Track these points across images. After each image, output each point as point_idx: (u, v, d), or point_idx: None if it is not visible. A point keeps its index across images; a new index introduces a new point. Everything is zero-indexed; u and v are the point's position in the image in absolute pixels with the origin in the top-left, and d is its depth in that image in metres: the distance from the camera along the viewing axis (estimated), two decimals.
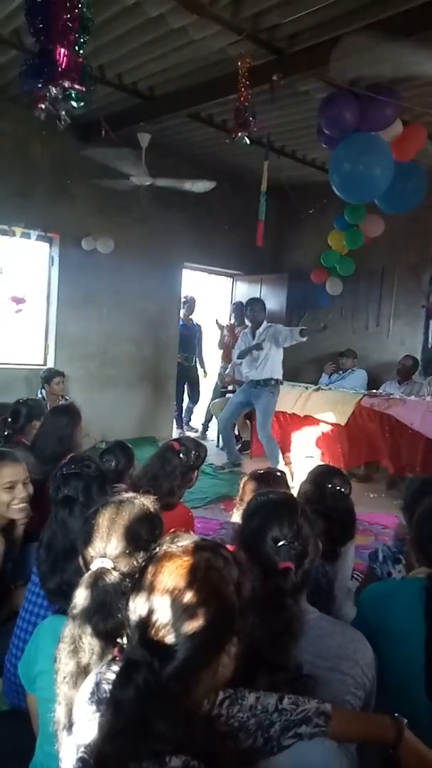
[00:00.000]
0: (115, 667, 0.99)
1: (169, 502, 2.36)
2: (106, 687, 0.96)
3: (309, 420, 5.51)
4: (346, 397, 5.38)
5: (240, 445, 6.30)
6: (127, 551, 1.27)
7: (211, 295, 8.65)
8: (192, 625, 0.89)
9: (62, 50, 2.15)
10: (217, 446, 6.78)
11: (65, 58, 2.15)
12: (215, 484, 5.07)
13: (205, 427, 7.32)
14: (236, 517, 2.04)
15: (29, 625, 1.71)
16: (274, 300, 7.31)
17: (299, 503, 1.42)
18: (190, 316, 7.25)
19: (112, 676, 0.97)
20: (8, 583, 2.14)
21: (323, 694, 1.13)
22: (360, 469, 5.54)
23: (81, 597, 1.20)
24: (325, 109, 4.07)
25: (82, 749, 0.92)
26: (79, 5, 2.21)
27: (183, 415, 7.51)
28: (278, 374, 5.42)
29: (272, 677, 1.13)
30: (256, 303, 5.57)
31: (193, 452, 2.50)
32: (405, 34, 3.37)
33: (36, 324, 5.95)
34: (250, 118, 3.68)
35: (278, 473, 2.25)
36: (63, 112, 2.33)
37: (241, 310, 7.06)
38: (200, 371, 7.39)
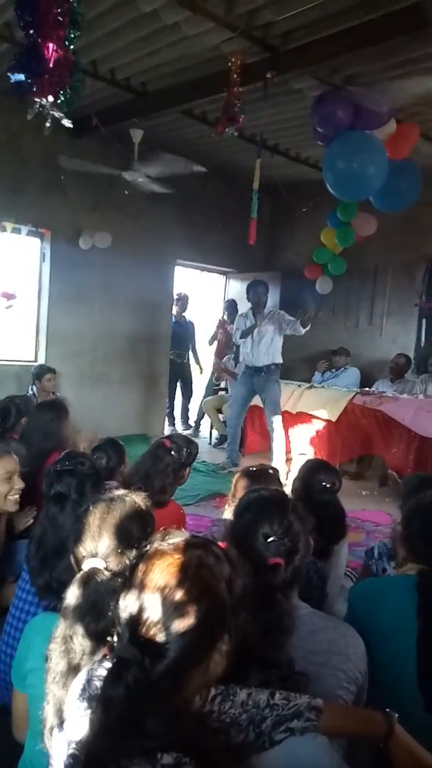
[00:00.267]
0: (107, 664, 0.98)
1: (160, 500, 2.36)
2: (97, 684, 0.96)
3: (302, 417, 5.53)
4: (339, 394, 5.40)
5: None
6: (119, 549, 1.27)
7: (203, 292, 8.65)
8: (183, 624, 0.89)
9: (51, 45, 2.13)
10: (210, 443, 6.79)
11: (54, 53, 2.14)
12: (207, 481, 5.07)
13: (197, 424, 7.31)
14: (228, 513, 2.04)
15: (19, 622, 1.70)
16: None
17: (290, 500, 1.43)
18: (183, 313, 7.24)
19: (103, 673, 0.97)
20: None
21: (315, 690, 1.13)
22: (352, 466, 5.56)
23: (73, 597, 1.20)
24: (318, 107, 4.08)
25: (73, 745, 0.92)
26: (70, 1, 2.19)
27: (177, 412, 7.50)
28: (279, 359, 5.45)
29: (264, 674, 1.13)
30: (260, 285, 5.55)
31: (185, 449, 2.49)
32: (397, 33, 3.39)
33: (27, 320, 5.91)
34: (240, 115, 3.67)
35: (270, 470, 2.26)
36: (52, 115, 2.32)
37: (234, 307, 7.07)
38: (194, 368, 7.39)
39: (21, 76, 2.19)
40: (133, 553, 1.25)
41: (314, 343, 7.01)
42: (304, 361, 7.19)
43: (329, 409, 5.28)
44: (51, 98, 2.21)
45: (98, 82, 4.61)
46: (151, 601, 0.90)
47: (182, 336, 7.18)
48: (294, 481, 2.35)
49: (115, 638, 0.94)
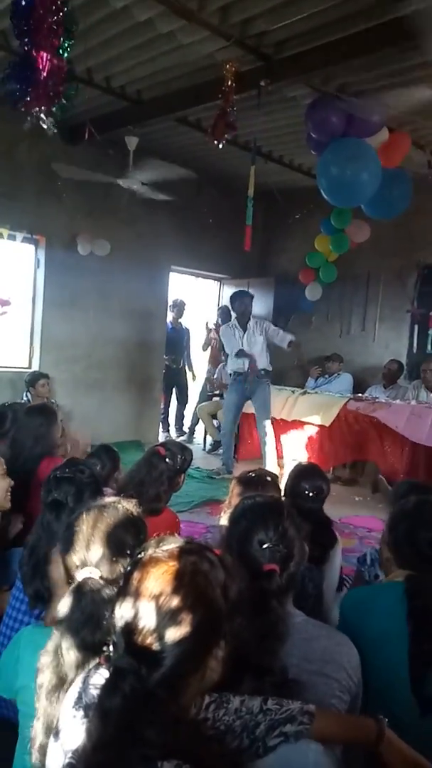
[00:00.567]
0: (102, 671, 0.98)
1: (155, 507, 2.36)
2: (93, 692, 0.96)
3: (296, 423, 5.54)
4: (332, 400, 5.42)
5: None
6: (112, 558, 1.26)
7: (198, 298, 8.66)
8: (179, 632, 0.89)
9: (45, 54, 2.14)
10: (204, 450, 6.79)
11: (48, 63, 2.15)
12: (201, 487, 5.06)
13: (192, 430, 7.31)
14: (224, 520, 2.04)
15: (12, 631, 1.69)
16: (260, 303, 7.32)
17: (285, 506, 1.43)
18: (180, 320, 7.25)
19: (98, 681, 0.96)
20: None
21: (309, 698, 1.13)
22: (345, 471, 5.58)
23: (67, 609, 1.18)
24: (312, 112, 4.11)
25: (70, 755, 0.92)
26: (64, 10, 2.21)
27: (172, 418, 7.49)
28: (269, 366, 5.51)
29: (258, 682, 1.13)
30: (246, 295, 5.62)
31: (179, 456, 2.49)
32: (390, 43, 3.43)
33: (21, 327, 5.90)
34: (234, 122, 3.70)
35: (268, 477, 2.24)
36: (48, 121, 2.33)
37: (228, 313, 7.09)
38: (188, 374, 7.39)
39: (15, 86, 2.20)
40: (126, 561, 1.24)
41: (307, 349, 7.03)
42: (297, 367, 7.21)
43: (322, 415, 5.29)
44: (44, 108, 2.22)
45: (94, 89, 4.64)
46: (146, 610, 0.90)
47: (177, 342, 7.19)
48: (284, 487, 2.34)
49: (111, 648, 0.94)
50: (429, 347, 6.34)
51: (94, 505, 1.36)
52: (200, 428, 7.12)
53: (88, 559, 1.26)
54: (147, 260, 6.50)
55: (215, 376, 6.91)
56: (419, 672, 1.36)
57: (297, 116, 4.58)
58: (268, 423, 5.37)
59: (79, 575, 1.25)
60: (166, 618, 0.89)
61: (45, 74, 2.17)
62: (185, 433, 7.32)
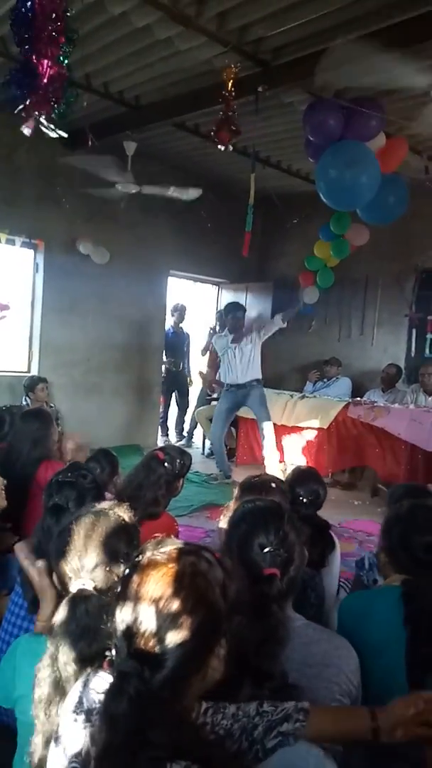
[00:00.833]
0: (102, 674, 0.98)
1: (154, 512, 2.35)
2: (95, 697, 0.96)
3: (295, 428, 5.54)
4: (331, 404, 5.42)
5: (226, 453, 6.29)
6: (106, 567, 1.25)
7: (196, 302, 8.67)
8: (181, 633, 0.89)
9: (45, 62, 2.15)
10: (202, 454, 6.78)
11: (48, 70, 2.16)
12: (200, 492, 5.06)
13: (190, 434, 7.31)
14: (223, 522, 2.02)
15: (11, 636, 1.68)
16: (259, 308, 7.35)
17: (285, 510, 1.43)
18: (180, 324, 7.26)
19: (99, 685, 0.96)
20: None
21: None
22: (344, 476, 5.58)
23: (63, 621, 1.17)
24: (310, 115, 4.12)
25: (74, 759, 0.92)
26: (65, 17, 2.22)
27: (172, 422, 7.49)
28: (260, 375, 5.49)
29: (258, 689, 1.13)
30: (239, 309, 5.63)
31: (178, 461, 2.48)
32: (388, 50, 3.44)
33: (20, 331, 5.90)
34: (237, 127, 3.71)
35: (273, 484, 2.21)
36: (49, 126, 2.34)
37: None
38: (188, 379, 7.39)
39: (16, 91, 2.21)
40: (120, 568, 1.25)
41: (306, 353, 7.05)
42: (295, 371, 7.22)
43: (321, 418, 5.30)
44: (45, 113, 2.23)
45: (92, 95, 4.65)
46: (147, 613, 0.90)
47: (178, 345, 7.20)
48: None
49: (114, 652, 0.94)
50: (427, 351, 6.35)
51: (86, 513, 1.36)
52: (199, 432, 7.12)
53: (82, 567, 1.25)
54: (146, 265, 6.51)
55: (218, 377, 6.92)
56: (417, 677, 1.36)
57: (295, 122, 4.60)
58: (268, 425, 5.36)
59: (73, 586, 1.24)
60: (168, 620, 0.89)
61: (45, 80, 2.18)
62: (185, 437, 7.32)
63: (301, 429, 5.47)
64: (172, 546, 0.99)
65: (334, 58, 3.31)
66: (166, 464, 2.43)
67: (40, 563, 1.49)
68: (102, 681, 0.98)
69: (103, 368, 6.35)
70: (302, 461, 5.33)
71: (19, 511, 2.45)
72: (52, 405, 5.32)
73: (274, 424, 5.52)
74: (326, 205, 4.43)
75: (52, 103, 2.26)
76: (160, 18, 3.49)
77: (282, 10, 3.36)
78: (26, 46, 2.19)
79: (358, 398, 5.75)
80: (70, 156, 4.98)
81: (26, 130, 2.33)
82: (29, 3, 2.18)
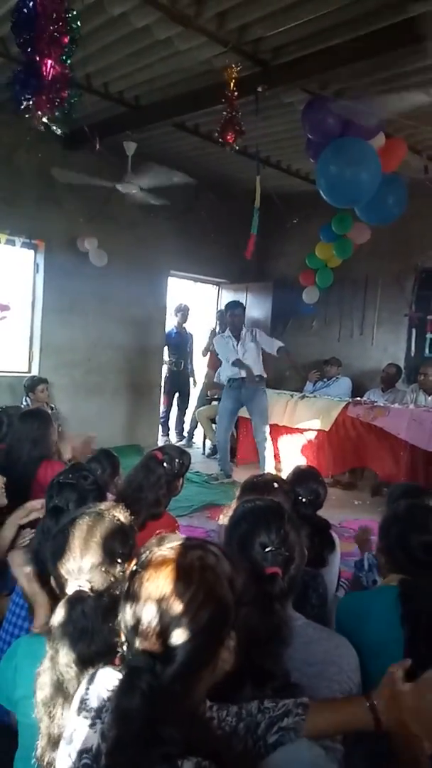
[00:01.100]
0: (108, 670, 0.98)
1: (155, 512, 2.35)
2: (103, 694, 0.96)
3: (295, 429, 5.54)
4: (331, 404, 5.42)
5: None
6: (103, 568, 1.25)
7: (197, 302, 8.67)
8: (192, 627, 0.89)
9: (49, 62, 2.15)
10: (203, 454, 6.78)
11: (52, 70, 2.16)
12: (200, 492, 5.06)
13: (191, 434, 7.31)
14: (224, 519, 2.02)
15: (11, 637, 1.68)
16: (259, 308, 7.35)
17: (285, 510, 1.43)
18: (184, 324, 7.27)
19: (106, 682, 0.96)
20: None
21: None
22: (344, 476, 5.57)
23: (61, 622, 1.17)
24: (309, 113, 4.11)
25: (84, 756, 0.92)
26: (67, 17, 2.22)
27: (172, 422, 7.49)
28: (263, 372, 5.51)
29: (260, 689, 1.13)
30: (238, 307, 5.66)
31: (177, 460, 2.48)
32: (386, 49, 3.44)
33: (20, 331, 5.91)
34: (242, 126, 3.71)
35: (275, 484, 2.21)
36: (53, 125, 2.35)
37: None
38: (191, 379, 7.40)
39: (19, 91, 2.21)
40: (117, 569, 1.25)
41: (306, 353, 7.04)
42: (290, 375, 7.21)
43: (322, 419, 5.29)
44: (48, 113, 2.23)
45: (92, 95, 4.65)
46: (158, 608, 0.91)
47: (181, 345, 7.22)
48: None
49: (124, 648, 0.94)
50: (427, 351, 6.36)
51: (82, 514, 1.35)
52: (199, 432, 7.12)
53: (79, 569, 1.25)
54: (146, 265, 6.51)
55: (215, 380, 6.92)
56: (415, 677, 1.36)
57: (294, 121, 4.60)
58: (265, 429, 5.36)
59: (70, 587, 1.24)
60: (179, 615, 0.90)
61: (49, 80, 2.18)
62: (185, 437, 7.32)
63: (301, 430, 5.47)
64: (177, 541, 1.00)
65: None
66: (165, 464, 2.43)
67: (27, 569, 1.49)
68: (109, 677, 0.98)
69: (103, 368, 6.36)
70: (302, 462, 5.33)
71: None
72: (53, 406, 5.32)
73: (275, 425, 5.52)
74: (326, 205, 4.43)
75: (57, 103, 2.26)
76: (160, 18, 3.50)
77: (281, 10, 3.36)
78: (28, 48, 2.19)
79: (358, 398, 5.75)
80: (64, 171, 4.98)
81: (37, 124, 2.33)
82: (31, 3, 2.18)
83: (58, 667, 1.14)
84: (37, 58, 2.15)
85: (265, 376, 5.55)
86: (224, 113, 3.64)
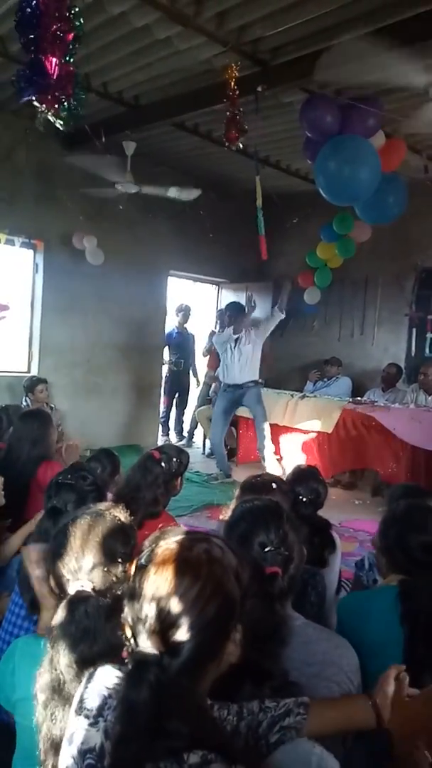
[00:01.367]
0: (108, 668, 0.98)
1: (153, 512, 2.35)
2: (104, 690, 0.95)
3: (296, 429, 5.53)
4: (332, 404, 5.41)
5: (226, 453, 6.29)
6: (104, 568, 1.25)
7: (197, 302, 8.66)
8: (199, 621, 0.90)
9: (53, 60, 2.15)
10: (203, 453, 6.78)
11: (56, 68, 2.16)
12: (200, 491, 5.06)
13: (191, 434, 7.31)
14: (226, 516, 2.00)
15: (11, 636, 1.68)
16: (259, 307, 7.31)
17: (284, 509, 1.43)
18: (185, 324, 7.27)
19: (107, 680, 0.96)
20: None
21: None
22: (345, 475, 5.57)
23: (62, 623, 1.17)
24: (307, 111, 4.10)
25: (88, 755, 0.91)
26: (70, 14, 2.21)
27: (172, 422, 7.49)
28: (257, 376, 5.50)
29: (258, 688, 1.13)
30: (237, 305, 5.66)
31: (175, 459, 2.47)
32: (387, 49, 3.44)
33: (20, 331, 5.90)
34: (244, 126, 3.71)
35: (274, 484, 2.21)
36: (57, 122, 2.35)
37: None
38: (192, 379, 7.40)
39: (24, 88, 2.20)
40: (119, 568, 1.25)
41: (306, 353, 7.04)
42: (295, 371, 7.22)
43: (323, 420, 5.28)
44: (53, 111, 2.22)
45: (91, 95, 4.65)
46: (165, 602, 0.90)
47: (183, 345, 7.22)
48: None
49: (131, 642, 0.93)
50: (427, 350, 6.35)
51: (82, 514, 1.35)
52: (199, 432, 7.12)
53: (80, 569, 1.25)
54: (145, 265, 6.51)
55: (216, 373, 6.92)
56: (415, 676, 1.36)
57: (293, 121, 4.60)
58: (266, 425, 5.36)
59: (71, 588, 1.23)
60: (187, 608, 0.90)
61: (55, 78, 2.18)
62: (185, 437, 7.32)
63: (302, 430, 5.46)
64: (181, 535, 0.99)
65: (334, 57, 3.30)
66: (162, 463, 2.42)
67: (38, 572, 1.49)
68: (108, 674, 0.98)
69: (103, 368, 6.35)
70: (302, 461, 5.32)
71: (19, 511, 2.45)
72: (53, 406, 5.32)
73: (275, 425, 5.52)
74: (326, 204, 4.42)
75: (63, 101, 2.26)
76: (159, 18, 3.49)
77: (281, 10, 3.36)
78: (32, 47, 2.18)
79: (359, 398, 5.74)
80: (69, 156, 4.98)
81: (38, 119, 2.32)
82: (34, 2, 2.17)
83: (58, 668, 1.14)
84: (42, 57, 2.14)
85: (261, 381, 5.54)
86: (227, 112, 3.64)
